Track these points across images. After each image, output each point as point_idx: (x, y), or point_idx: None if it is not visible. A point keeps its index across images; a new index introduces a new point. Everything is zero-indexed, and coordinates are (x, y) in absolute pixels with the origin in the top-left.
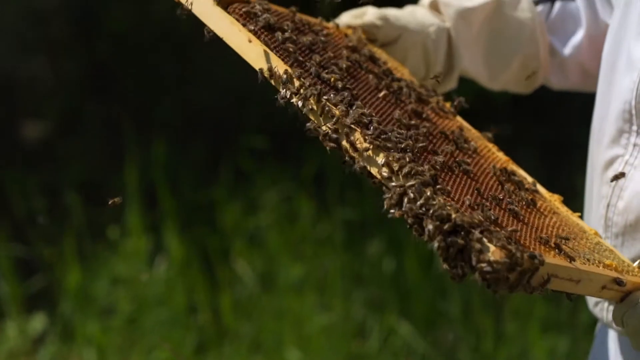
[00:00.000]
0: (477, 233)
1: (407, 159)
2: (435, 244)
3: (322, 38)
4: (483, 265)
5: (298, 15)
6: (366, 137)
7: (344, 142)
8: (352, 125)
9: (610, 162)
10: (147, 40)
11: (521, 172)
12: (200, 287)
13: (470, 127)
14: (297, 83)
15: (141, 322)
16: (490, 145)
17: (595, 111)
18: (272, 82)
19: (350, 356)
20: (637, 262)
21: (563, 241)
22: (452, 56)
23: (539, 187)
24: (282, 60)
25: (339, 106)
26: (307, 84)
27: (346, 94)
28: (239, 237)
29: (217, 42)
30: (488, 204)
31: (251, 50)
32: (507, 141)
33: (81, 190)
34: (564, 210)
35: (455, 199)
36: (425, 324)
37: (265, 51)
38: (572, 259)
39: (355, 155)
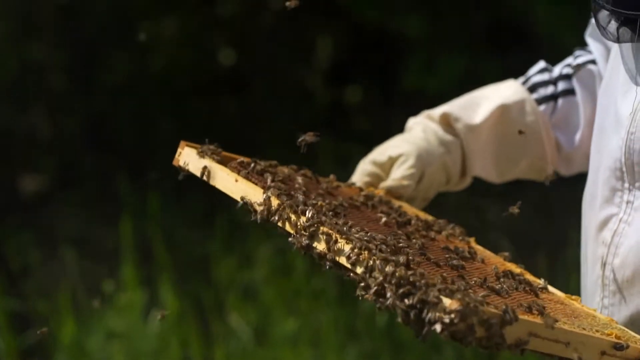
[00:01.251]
0: (435, 290)
1: (374, 245)
2: (389, 301)
3: (325, 185)
4: (438, 316)
5: (304, 172)
6: (335, 231)
7: (317, 244)
8: (323, 223)
9: (605, 222)
10: (144, 93)
11: (533, 278)
12: (194, 341)
13: (486, 250)
14: (275, 202)
15: None
16: (509, 264)
17: (589, 178)
18: (253, 208)
19: None
20: None
21: (545, 308)
22: (465, 163)
23: (552, 288)
24: (264, 189)
25: (311, 212)
26: (285, 199)
27: (330, 213)
28: (233, 291)
29: (215, 100)
30: (466, 281)
31: (237, 187)
32: (500, 198)
33: (77, 243)
34: (579, 306)
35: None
36: None
37: (249, 186)
38: (555, 321)
39: (326, 252)
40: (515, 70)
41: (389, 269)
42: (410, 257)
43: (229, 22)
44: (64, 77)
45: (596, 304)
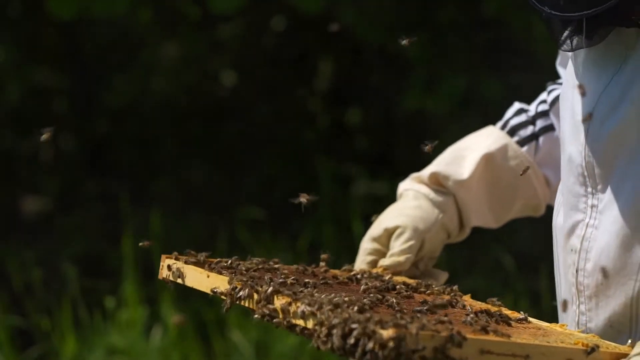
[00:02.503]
0: (371, 324)
1: (326, 300)
2: (337, 344)
3: (311, 270)
4: (378, 345)
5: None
6: (292, 296)
7: (276, 312)
8: (281, 292)
9: (572, 229)
10: (146, 115)
11: (515, 313)
12: (195, 357)
13: (478, 302)
14: (239, 284)
15: None
16: (497, 308)
17: (557, 194)
18: (223, 297)
19: None
20: (628, 342)
21: (493, 326)
22: (462, 217)
23: (534, 320)
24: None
25: (271, 286)
26: (246, 279)
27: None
28: (234, 307)
29: (216, 122)
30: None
31: (209, 282)
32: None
33: (79, 262)
34: (560, 330)
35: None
36: None
37: (220, 278)
38: (508, 336)
39: (282, 315)
40: (515, 89)
41: (333, 314)
42: (366, 307)
43: (229, 44)
44: (67, 100)
45: (572, 311)
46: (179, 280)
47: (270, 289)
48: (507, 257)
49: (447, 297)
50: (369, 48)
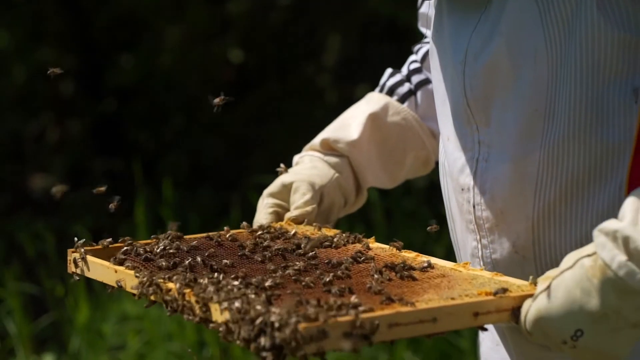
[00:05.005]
0: (270, 318)
1: (230, 298)
2: (242, 337)
3: (215, 240)
4: (283, 340)
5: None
6: (194, 293)
7: (182, 302)
8: (190, 286)
9: (462, 169)
10: (155, 92)
11: (419, 258)
12: None
13: (381, 245)
14: (145, 280)
15: (150, 357)
16: (402, 252)
17: (440, 149)
18: (132, 291)
19: None
20: (530, 279)
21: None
22: (357, 177)
23: (438, 262)
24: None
25: (171, 278)
26: (148, 275)
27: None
28: None
29: (224, 93)
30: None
31: (116, 276)
32: None
33: (91, 231)
34: (465, 271)
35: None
36: (436, 358)
37: (127, 272)
38: (411, 304)
39: (191, 308)
40: None
41: (240, 315)
42: (272, 291)
43: (237, 20)
44: (74, 80)
45: (472, 248)
46: (87, 274)
47: (178, 285)
48: None
49: (352, 248)
50: (378, 21)
